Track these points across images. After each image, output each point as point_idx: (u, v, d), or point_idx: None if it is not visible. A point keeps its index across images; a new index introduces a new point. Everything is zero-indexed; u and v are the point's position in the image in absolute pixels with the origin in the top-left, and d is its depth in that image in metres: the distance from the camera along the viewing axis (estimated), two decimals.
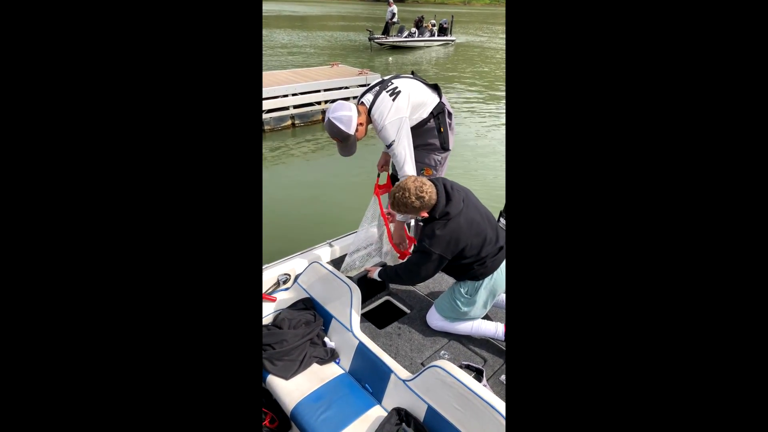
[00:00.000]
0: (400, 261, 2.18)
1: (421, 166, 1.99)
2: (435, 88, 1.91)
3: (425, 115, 1.86)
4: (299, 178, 4.84)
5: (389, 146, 1.79)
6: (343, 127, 1.73)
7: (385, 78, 1.87)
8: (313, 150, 5.66)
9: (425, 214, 1.59)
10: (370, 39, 13.48)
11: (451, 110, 1.94)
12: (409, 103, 1.78)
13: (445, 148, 1.95)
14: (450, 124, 1.93)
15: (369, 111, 1.78)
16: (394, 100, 1.75)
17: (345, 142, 1.79)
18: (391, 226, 2.05)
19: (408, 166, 1.81)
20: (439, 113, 1.87)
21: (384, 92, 1.77)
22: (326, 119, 1.77)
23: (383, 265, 2.05)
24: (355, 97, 6.60)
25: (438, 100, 1.88)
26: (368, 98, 1.79)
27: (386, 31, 14.00)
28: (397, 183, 1.62)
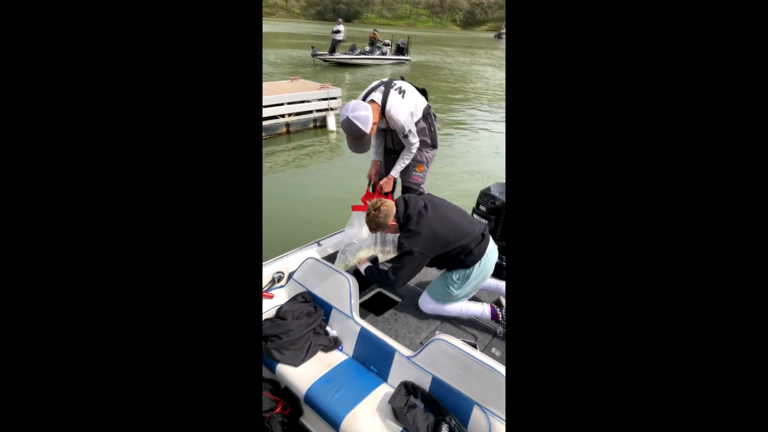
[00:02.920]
0: (389, 254, 2.34)
1: (415, 163, 2.18)
2: (423, 92, 2.13)
3: (420, 114, 2.07)
4: (273, 187, 4.93)
5: (405, 136, 2.00)
6: (361, 126, 1.88)
7: (384, 80, 2.06)
8: (282, 161, 5.76)
9: (393, 223, 1.80)
10: (313, 55, 13.79)
11: (434, 113, 2.16)
12: (412, 100, 1.99)
13: (434, 145, 2.15)
14: (435, 125, 2.16)
15: (383, 108, 1.94)
16: (403, 97, 1.95)
17: (360, 140, 1.94)
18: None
19: (415, 146, 2.09)
20: (427, 114, 2.08)
21: (392, 90, 1.95)
22: (344, 118, 1.91)
23: (373, 260, 2.19)
24: (319, 111, 6.82)
25: (426, 102, 2.10)
26: (377, 96, 1.96)
27: (333, 49, 14.34)
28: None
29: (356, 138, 1.94)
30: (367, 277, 1.98)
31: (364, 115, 1.88)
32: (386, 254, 2.34)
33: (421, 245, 1.72)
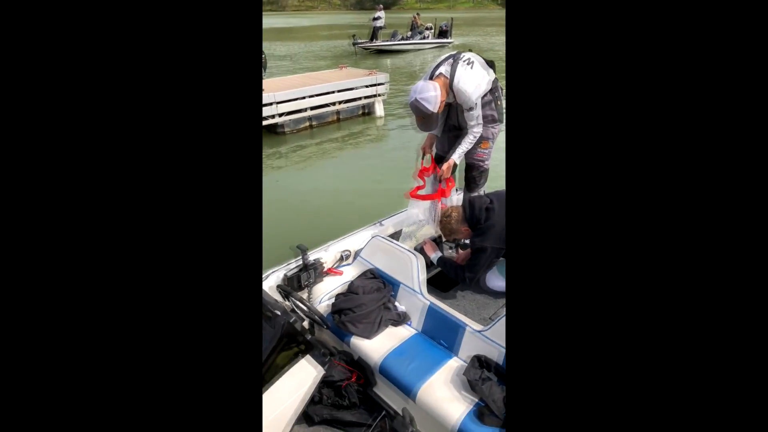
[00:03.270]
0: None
1: (480, 139, 2.15)
2: (491, 64, 2.10)
3: (486, 87, 2.04)
4: (322, 175, 5.11)
5: (471, 108, 2.00)
6: (429, 107, 1.91)
7: (453, 53, 2.05)
8: (334, 148, 6.02)
9: (465, 229, 1.87)
10: (354, 44, 13.83)
11: (501, 87, 2.12)
12: (480, 72, 1.98)
13: (500, 120, 2.13)
14: (502, 99, 2.12)
15: (451, 82, 1.94)
16: (472, 68, 1.95)
17: (427, 119, 1.97)
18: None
19: (478, 127, 2.07)
20: (494, 88, 2.05)
21: (460, 62, 1.95)
22: (412, 99, 1.93)
23: (436, 239, 2.21)
24: (367, 97, 6.89)
25: (494, 75, 2.07)
26: (446, 69, 1.96)
27: (374, 36, 14.29)
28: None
29: (424, 118, 1.96)
30: (439, 267, 2.01)
31: (431, 96, 1.89)
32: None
33: (492, 240, 1.77)
